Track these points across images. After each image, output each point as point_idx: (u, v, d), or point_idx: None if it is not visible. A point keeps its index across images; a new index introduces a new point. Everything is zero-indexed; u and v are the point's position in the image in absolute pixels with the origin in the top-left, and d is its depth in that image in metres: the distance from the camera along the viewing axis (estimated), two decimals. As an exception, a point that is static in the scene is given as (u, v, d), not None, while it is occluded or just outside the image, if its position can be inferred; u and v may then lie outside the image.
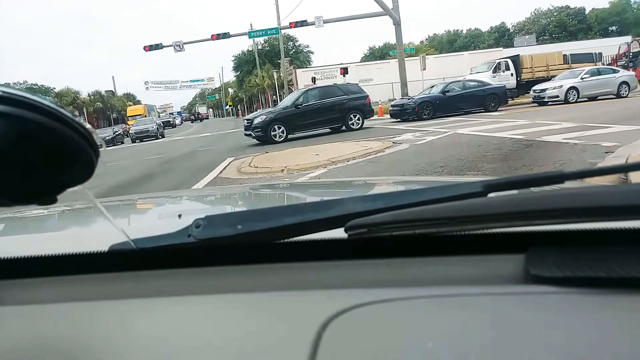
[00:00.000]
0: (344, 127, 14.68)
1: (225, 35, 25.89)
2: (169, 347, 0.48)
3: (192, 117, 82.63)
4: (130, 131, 31.50)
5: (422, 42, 73.68)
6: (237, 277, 0.64)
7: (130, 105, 59.87)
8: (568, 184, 0.61)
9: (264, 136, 13.59)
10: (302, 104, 14.20)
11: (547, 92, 17.57)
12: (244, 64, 56.85)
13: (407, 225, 0.57)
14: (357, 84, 16.55)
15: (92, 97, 59.53)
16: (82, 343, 0.51)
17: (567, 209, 0.50)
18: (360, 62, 46.49)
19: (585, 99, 17.44)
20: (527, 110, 16.37)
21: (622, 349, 0.39)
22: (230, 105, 73.95)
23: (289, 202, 1.44)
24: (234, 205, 1.54)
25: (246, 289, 0.59)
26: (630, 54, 25.96)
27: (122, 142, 30.83)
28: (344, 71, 24.22)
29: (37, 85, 66.96)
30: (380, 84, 30.05)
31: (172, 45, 25.80)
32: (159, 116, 56.55)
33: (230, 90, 72.93)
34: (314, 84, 24.62)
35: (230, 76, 71.31)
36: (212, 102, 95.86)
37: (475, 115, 15.71)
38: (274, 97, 39.64)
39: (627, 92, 17.78)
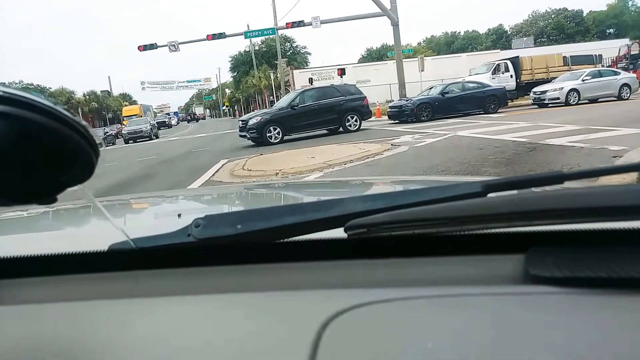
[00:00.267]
0: (341, 129, 14.48)
1: (221, 36, 25.62)
2: (168, 347, 0.48)
3: (189, 118, 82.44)
4: (123, 132, 30.95)
5: (419, 43, 74.04)
6: (237, 277, 0.64)
7: (126, 106, 59.47)
8: (568, 184, 0.60)
9: (259, 137, 13.39)
10: (298, 105, 14.00)
11: (548, 94, 17.34)
12: (241, 65, 56.81)
13: (407, 225, 0.57)
14: (355, 85, 16.37)
15: (87, 97, 59.23)
16: (82, 343, 0.51)
17: (567, 209, 0.50)
18: (358, 63, 46.33)
19: (586, 101, 17.26)
20: (527, 112, 16.14)
21: (622, 349, 0.39)
22: (227, 106, 73.80)
23: (288, 201, 1.44)
24: (234, 205, 1.53)
25: (246, 289, 0.58)
26: (630, 56, 25.87)
27: (114, 144, 30.10)
28: (342, 72, 24.07)
29: (32, 85, 66.49)
30: (378, 85, 29.86)
31: (166, 45, 25.49)
32: (155, 116, 56.34)
33: (227, 90, 72.63)
34: (311, 84, 24.41)
35: (227, 77, 71.23)
36: (209, 103, 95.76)
37: (474, 117, 15.51)
38: (271, 98, 39.47)
39: (628, 95, 17.57)
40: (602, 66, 23.30)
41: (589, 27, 64.94)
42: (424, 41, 79.40)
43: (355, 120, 14.56)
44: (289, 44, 53.50)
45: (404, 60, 23.22)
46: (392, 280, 0.58)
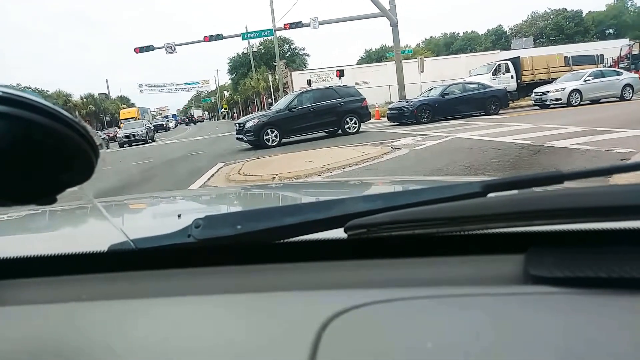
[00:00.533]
0: (339, 131, 14.22)
1: (219, 37, 25.37)
2: (168, 347, 0.49)
3: (187, 120, 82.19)
4: (117, 135, 30.48)
5: (418, 44, 73.90)
6: (237, 278, 0.63)
7: (124, 108, 59.25)
8: (567, 184, 0.60)
9: (256, 140, 13.15)
10: (296, 107, 13.75)
11: (550, 94, 17.12)
12: (240, 67, 56.67)
13: (407, 225, 0.57)
14: (354, 87, 16.14)
15: (84, 99, 58.98)
16: (82, 343, 0.51)
17: (566, 209, 0.50)
18: (357, 64, 46.15)
19: (588, 102, 17.06)
20: (529, 113, 15.92)
21: (622, 349, 0.40)
22: (225, 108, 73.57)
23: (288, 202, 1.43)
24: (234, 206, 1.53)
25: (246, 289, 0.59)
26: (631, 56, 25.68)
27: (108, 147, 29.52)
28: (340, 73, 23.86)
29: (29, 87, 66.30)
30: (377, 87, 29.66)
31: (163, 47, 25.25)
32: (153, 119, 56.10)
33: (225, 93, 72.47)
34: (310, 86, 24.16)
35: (225, 79, 71.05)
36: (207, 105, 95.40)
37: (475, 118, 15.26)
38: (270, 99, 39.29)
39: (631, 95, 17.37)
40: (604, 66, 23.08)
41: (589, 27, 64.82)
42: (423, 42, 79.32)
43: (355, 123, 14.31)
44: (287, 45, 53.39)
45: (403, 61, 23.02)
46: (392, 280, 0.58)
